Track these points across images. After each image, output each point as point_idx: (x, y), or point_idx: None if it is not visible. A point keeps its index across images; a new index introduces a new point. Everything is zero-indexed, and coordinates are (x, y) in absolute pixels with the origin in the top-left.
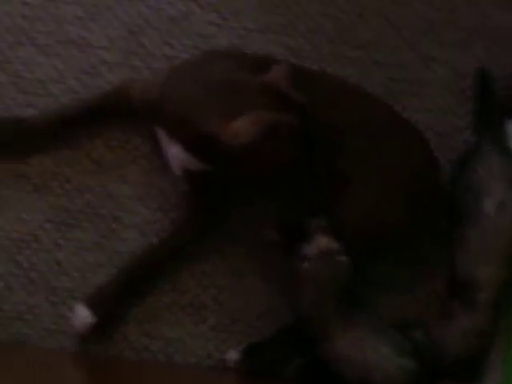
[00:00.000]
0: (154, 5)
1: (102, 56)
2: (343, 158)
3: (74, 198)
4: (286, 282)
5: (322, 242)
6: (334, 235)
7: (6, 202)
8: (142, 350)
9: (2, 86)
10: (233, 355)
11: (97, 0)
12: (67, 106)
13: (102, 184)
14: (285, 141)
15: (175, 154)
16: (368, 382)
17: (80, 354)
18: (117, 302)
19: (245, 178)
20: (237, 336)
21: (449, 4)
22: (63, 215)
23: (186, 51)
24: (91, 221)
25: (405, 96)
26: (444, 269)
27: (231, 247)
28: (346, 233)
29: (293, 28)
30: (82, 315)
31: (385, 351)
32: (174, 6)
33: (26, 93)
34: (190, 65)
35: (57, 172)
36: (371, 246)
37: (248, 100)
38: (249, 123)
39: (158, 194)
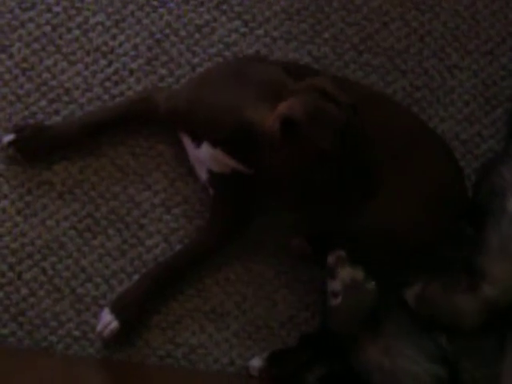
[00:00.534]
0: (178, 12)
1: (127, 63)
2: (370, 165)
3: (99, 205)
4: (310, 293)
5: (346, 274)
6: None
7: (30, 208)
8: (166, 356)
9: (27, 94)
10: (256, 362)
11: (121, 7)
12: (91, 114)
13: (127, 191)
14: (330, 131)
15: (203, 156)
16: None
17: (104, 360)
18: (140, 307)
19: (276, 179)
20: (260, 343)
21: (474, 13)
22: (88, 222)
23: (209, 59)
24: (116, 228)
25: (429, 104)
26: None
27: (254, 256)
28: (372, 244)
29: (317, 36)
30: (106, 320)
31: (415, 357)
32: (199, 14)
33: (52, 100)
34: (223, 67)
35: (81, 179)
36: (396, 257)
37: (291, 95)
38: (297, 102)
39: (182, 201)
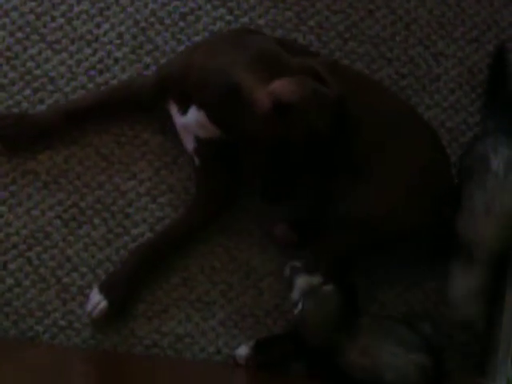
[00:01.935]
0: (162, 0)
1: (111, 52)
2: (357, 151)
3: (84, 194)
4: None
5: (302, 283)
6: (312, 268)
7: (15, 198)
8: (152, 346)
9: (11, 83)
10: (243, 351)
11: None
12: (74, 101)
13: (112, 180)
14: (323, 115)
15: (189, 122)
16: (380, 381)
17: (90, 350)
18: (129, 285)
19: (257, 150)
20: (246, 332)
21: (459, 1)
22: (73, 211)
23: None
24: (101, 217)
25: (415, 92)
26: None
27: (240, 244)
28: (358, 229)
29: (302, 24)
30: (95, 300)
31: (394, 350)
32: (183, 2)
33: (36, 89)
34: (218, 36)
35: (66, 169)
36: (381, 239)
37: (285, 72)
38: (292, 83)
39: (167, 189)
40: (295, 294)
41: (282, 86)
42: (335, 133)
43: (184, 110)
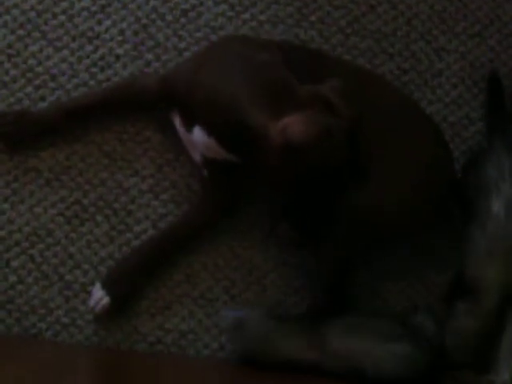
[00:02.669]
0: None
1: (113, 48)
2: (361, 147)
3: (86, 191)
4: (298, 277)
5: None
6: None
7: (17, 195)
8: (155, 342)
9: (12, 80)
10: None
11: None
12: (76, 99)
13: (114, 177)
14: (333, 148)
15: (195, 140)
16: (364, 373)
17: (93, 347)
18: (131, 282)
19: (269, 177)
20: None
21: None
22: (75, 209)
23: (196, 43)
24: (103, 214)
25: (417, 87)
26: (455, 260)
27: (243, 241)
28: (360, 226)
29: (304, 19)
30: (97, 296)
31: (370, 342)
32: None
33: (38, 86)
34: (225, 51)
35: (68, 166)
36: (385, 235)
37: (295, 102)
38: (303, 122)
39: (170, 186)
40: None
41: (292, 126)
42: (350, 158)
43: (189, 127)
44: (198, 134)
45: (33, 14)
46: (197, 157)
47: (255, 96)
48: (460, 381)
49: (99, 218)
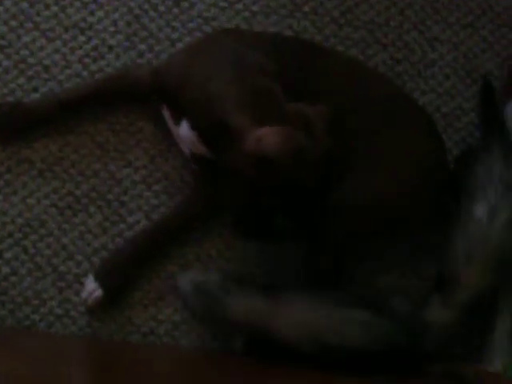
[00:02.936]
0: None
1: (106, 39)
2: (349, 139)
3: (79, 182)
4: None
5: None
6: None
7: (10, 187)
8: (149, 333)
9: (5, 71)
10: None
11: None
12: (69, 90)
13: (107, 168)
14: (304, 167)
15: (181, 134)
16: (324, 343)
17: (87, 338)
18: (124, 274)
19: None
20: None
21: None
22: (68, 200)
23: (189, 34)
24: (96, 205)
25: (410, 78)
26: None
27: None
28: (352, 217)
29: (297, 9)
30: (90, 288)
31: (329, 309)
32: None
33: (30, 77)
34: (217, 47)
35: (61, 157)
36: (378, 227)
37: (278, 115)
38: (278, 136)
39: (163, 177)
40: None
41: (268, 136)
42: (321, 179)
43: (177, 121)
44: (184, 127)
45: (25, 4)
46: (186, 150)
47: (241, 99)
48: (451, 371)
49: (92, 208)
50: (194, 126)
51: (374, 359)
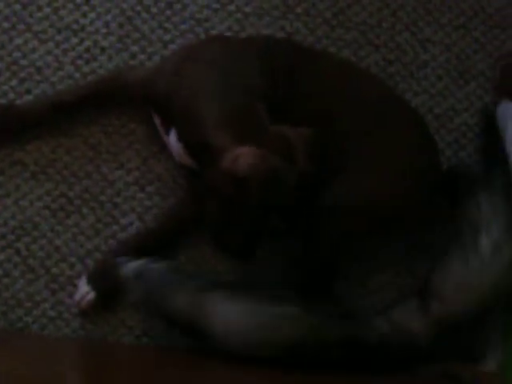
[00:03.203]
0: None
1: (98, 41)
2: (341, 140)
3: (72, 184)
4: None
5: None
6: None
7: (3, 189)
8: (142, 335)
9: None
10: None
11: None
12: (62, 93)
13: (100, 170)
14: (277, 188)
15: (170, 142)
16: (253, 345)
17: (80, 340)
18: (117, 277)
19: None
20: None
21: None
22: (61, 202)
23: (181, 36)
24: (89, 207)
25: (402, 79)
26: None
27: None
28: (344, 218)
29: (289, 11)
30: (83, 290)
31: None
32: None
33: (23, 79)
34: (206, 55)
35: (54, 159)
36: (372, 227)
37: (259, 137)
38: (253, 157)
39: (155, 178)
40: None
41: (243, 156)
42: (296, 202)
43: (166, 129)
44: (173, 137)
45: (18, 6)
46: (176, 157)
47: (224, 118)
48: (448, 371)
49: (85, 210)
50: (180, 138)
51: (310, 355)
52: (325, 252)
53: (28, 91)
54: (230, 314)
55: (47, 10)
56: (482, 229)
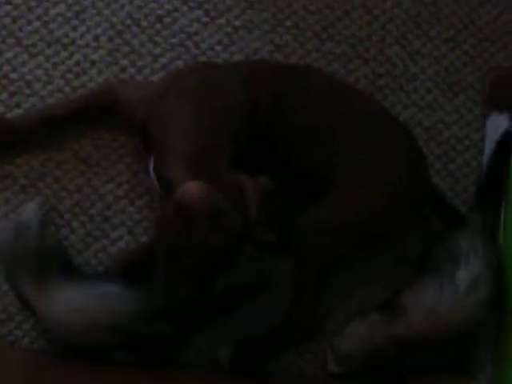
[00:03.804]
0: (138, 3)
1: (88, 54)
2: (329, 156)
3: (62, 197)
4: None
5: None
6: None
7: None
8: None
9: None
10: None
11: None
12: (52, 107)
13: (90, 183)
14: (219, 229)
15: (150, 168)
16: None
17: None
18: None
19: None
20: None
21: (435, 0)
22: (51, 215)
23: (171, 49)
24: (79, 220)
25: (392, 91)
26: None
27: None
28: (334, 231)
29: (279, 24)
30: None
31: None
32: (160, 4)
33: (13, 93)
34: (187, 85)
35: (44, 172)
36: (362, 242)
37: (216, 179)
38: (199, 191)
39: (145, 192)
40: None
41: (191, 189)
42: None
43: (146, 153)
44: (151, 164)
45: (7, 20)
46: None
47: (189, 157)
48: None
49: (75, 224)
50: (154, 167)
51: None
52: (314, 270)
53: (18, 105)
54: (63, 301)
55: (37, 23)
56: (461, 261)
